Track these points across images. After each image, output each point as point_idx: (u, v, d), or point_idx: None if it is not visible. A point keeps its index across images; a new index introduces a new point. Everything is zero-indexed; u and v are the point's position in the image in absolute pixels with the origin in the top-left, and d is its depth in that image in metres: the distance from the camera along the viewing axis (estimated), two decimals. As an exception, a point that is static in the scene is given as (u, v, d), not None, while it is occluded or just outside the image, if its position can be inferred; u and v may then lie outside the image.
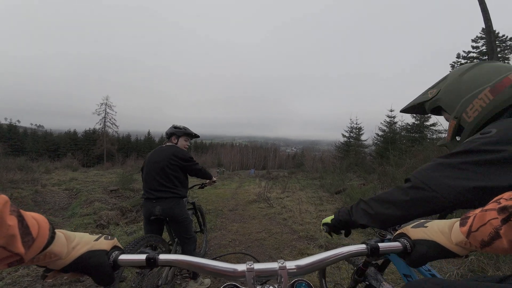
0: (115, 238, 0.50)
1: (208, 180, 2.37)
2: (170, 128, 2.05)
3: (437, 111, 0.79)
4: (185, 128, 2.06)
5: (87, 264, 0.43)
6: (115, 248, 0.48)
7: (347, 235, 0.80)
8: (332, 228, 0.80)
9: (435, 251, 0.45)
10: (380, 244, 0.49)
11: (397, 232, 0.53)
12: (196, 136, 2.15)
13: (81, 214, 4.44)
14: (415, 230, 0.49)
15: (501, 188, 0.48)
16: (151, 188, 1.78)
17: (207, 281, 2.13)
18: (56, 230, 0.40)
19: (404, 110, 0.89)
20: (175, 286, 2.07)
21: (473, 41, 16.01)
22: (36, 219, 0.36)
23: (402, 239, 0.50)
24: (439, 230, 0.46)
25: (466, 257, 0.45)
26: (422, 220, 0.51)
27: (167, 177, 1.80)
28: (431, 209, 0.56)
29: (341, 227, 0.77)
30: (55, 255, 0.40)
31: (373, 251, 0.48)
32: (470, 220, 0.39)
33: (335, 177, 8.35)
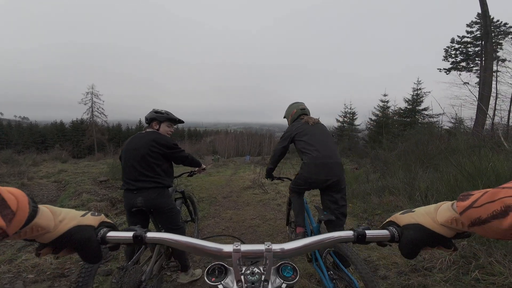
0: (102, 215, 0.50)
1: (197, 168, 2.24)
2: (150, 113, 1.85)
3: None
4: (167, 113, 1.89)
5: (75, 239, 0.43)
6: (103, 223, 0.49)
7: (272, 180, 2.39)
8: (267, 176, 2.32)
9: (420, 234, 0.44)
10: (367, 232, 0.49)
11: (387, 220, 0.52)
12: (180, 121, 1.98)
13: (69, 206, 4.30)
14: (403, 216, 0.49)
15: (285, 145, 2.07)
16: (131, 178, 1.64)
17: (198, 271, 2.07)
18: (39, 205, 0.40)
19: (284, 117, 2.27)
20: (164, 278, 2.01)
21: (467, 26, 15.76)
22: (13, 194, 0.35)
23: (391, 227, 0.49)
24: (425, 212, 0.46)
25: (455, 249, 0.44)
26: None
27: (149, 165, 1.65)
28: (276, 159, 2.18)
29: (269, 177, 2.33)
30: (43, 228, 0.40)
31: (360, 238, 0.49)
32: (475, 196, 0.37)
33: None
